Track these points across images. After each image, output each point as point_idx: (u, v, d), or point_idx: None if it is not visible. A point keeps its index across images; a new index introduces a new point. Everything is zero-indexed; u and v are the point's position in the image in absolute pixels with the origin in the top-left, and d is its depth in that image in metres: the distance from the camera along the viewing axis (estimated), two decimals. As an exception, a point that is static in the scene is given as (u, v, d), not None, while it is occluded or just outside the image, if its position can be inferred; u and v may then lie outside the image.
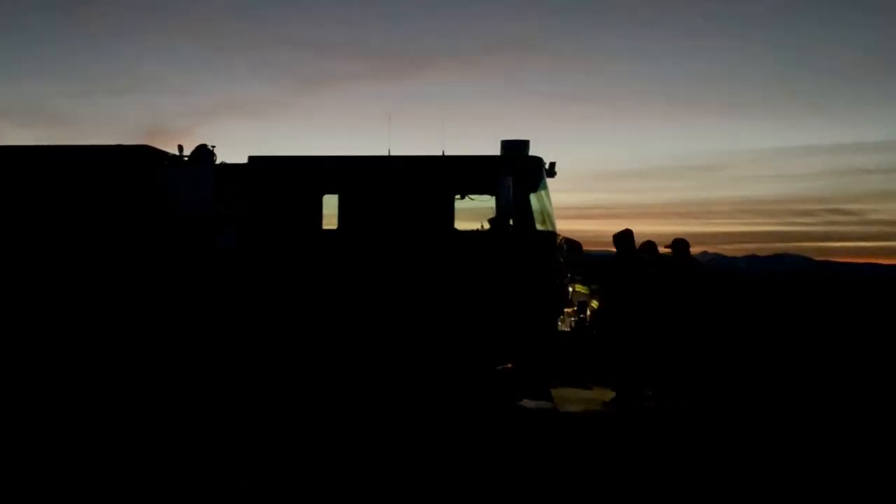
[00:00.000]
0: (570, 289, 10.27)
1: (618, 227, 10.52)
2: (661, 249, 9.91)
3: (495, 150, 10.21)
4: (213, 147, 10.94)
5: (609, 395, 9.62)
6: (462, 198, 10.17)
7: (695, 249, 9.91)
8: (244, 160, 10.45)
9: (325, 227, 10.23)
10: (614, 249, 9.69)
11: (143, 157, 10.44)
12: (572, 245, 10.59)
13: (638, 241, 9.75)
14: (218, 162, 10.81)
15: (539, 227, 9.87)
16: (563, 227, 10.36)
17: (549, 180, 10.33)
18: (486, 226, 9.96)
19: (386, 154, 10.36)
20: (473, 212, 10.16)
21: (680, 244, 9.83)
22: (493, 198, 9.80)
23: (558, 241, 10.17)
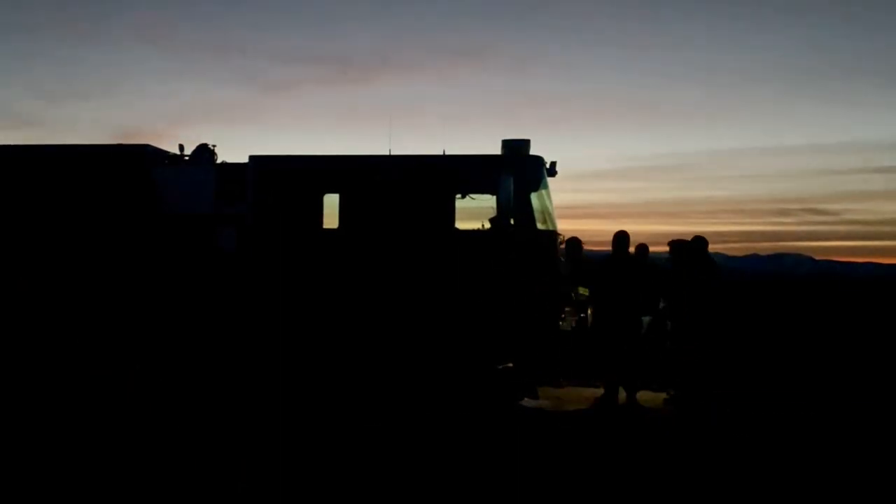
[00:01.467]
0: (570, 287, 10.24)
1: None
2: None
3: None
4: (214, 146, 10.95)
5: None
6: (463, 197, 10.15)
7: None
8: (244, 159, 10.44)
9: (325, 226, 10.22)
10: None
11: (143, 157, 10.44)
12: (573, 243, 10.59)
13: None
14: (219, 161, 10.82)
15: (540, 226, 9.84)
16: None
17: (549, 179, 10.31)
18: (487, 225, 9.94)
19: (387, 153, 10.35)
20: (474, 211, 10.15)
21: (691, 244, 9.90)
22: (494, 197, 9.77)
23: (560, 240, 10.15)
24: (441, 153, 10.20)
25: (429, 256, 9.81)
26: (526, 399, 9.77)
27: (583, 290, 10.35)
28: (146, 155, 10.47)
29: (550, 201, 10.21)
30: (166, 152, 10.85)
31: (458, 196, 10.08)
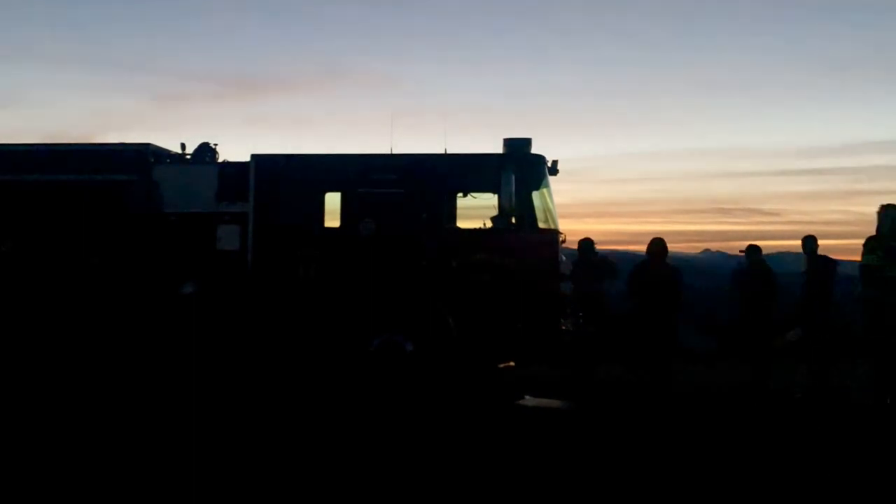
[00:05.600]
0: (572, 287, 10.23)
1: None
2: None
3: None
4: (216, 145, 10.93)
5: None
6: (464, 195, 10.15)
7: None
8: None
9: (327, 224, 10.23)
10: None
11: (145, 155, 10.41)
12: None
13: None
14: (220, 160, 10.80)
15: (541, 225, 9.84)
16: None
17: (550, 178, 10.31)
18: (489, 224, 9.94)
19: (388, 152, 10.34)
20: (476, 210, 10.16)
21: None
22: (496, 196, 9.77)
23: (561, 238, 10.15)
24: (443, 152, 10.21)
25: (430, 255, 9.80)
26: (526, 398, 9.78)
27: None
28: (148, 153, 10.44)
29: (552, 200, 10.19)
30: (168, 151, 10.83)
31: (460, 195, 10.09)
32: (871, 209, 8.67)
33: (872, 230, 8.49)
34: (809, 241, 9.72)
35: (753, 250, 10.06)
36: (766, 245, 10.30)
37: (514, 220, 9.64)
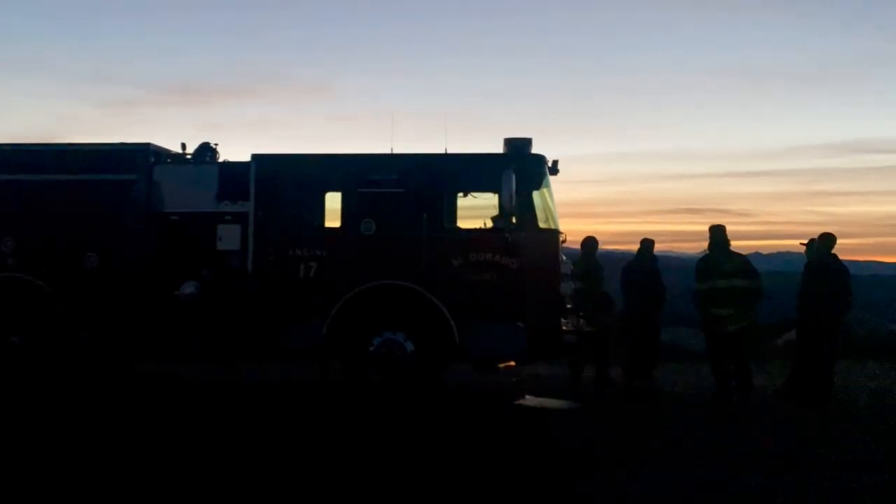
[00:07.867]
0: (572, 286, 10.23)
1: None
2: None
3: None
4: (217, 145, 10.90)
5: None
6: (465, 195, 10.13)
7: (693, 247, 10.08)
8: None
9: (327, 224, 10.20)
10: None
11: (145, 155, 10.39)
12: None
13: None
14: (221, 160, 10.78)
15: (542, 225, 9.83)
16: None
17: (551, 178, 10.31)
18: (489, 224, 9.93)
19: (388, 152, 10.33)
20: (476, 209, 10.14)
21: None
22: (496, 195, 9.76)
23: (562, 238, 10.14)
24: (443, 152, 10.20)
25: (430, 255, 9.78)
26: (526, 398, 9.77)
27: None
28: (148, 153, 10.43)
29: (552, 200, 10.19)
30: (168, 151, 10.82)
31: (460, 195, 10.08)
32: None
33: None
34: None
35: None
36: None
37: (514, 220, 9.62)
